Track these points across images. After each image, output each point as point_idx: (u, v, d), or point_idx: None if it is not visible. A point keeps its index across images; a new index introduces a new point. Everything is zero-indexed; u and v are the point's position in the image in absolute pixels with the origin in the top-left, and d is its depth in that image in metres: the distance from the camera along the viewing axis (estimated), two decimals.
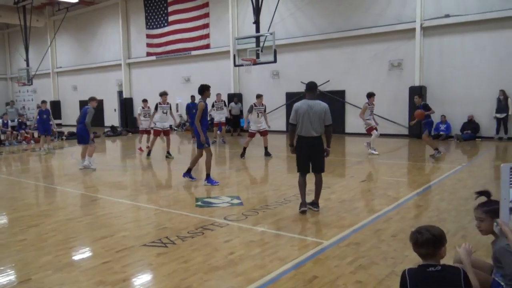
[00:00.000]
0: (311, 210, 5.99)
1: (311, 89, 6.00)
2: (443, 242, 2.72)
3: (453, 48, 15.56)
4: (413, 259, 4.14)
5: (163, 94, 12.37)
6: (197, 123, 8.05)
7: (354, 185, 7.89)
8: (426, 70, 16.16)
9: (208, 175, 8.22)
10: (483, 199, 3.03)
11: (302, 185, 6.02)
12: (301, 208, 5.96)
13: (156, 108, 12.41)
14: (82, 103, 29.65)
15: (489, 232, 2.97)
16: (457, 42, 15.49)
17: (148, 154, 12.38)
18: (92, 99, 10.86)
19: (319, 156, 5.95)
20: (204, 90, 8.60)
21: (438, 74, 15.93)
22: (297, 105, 5.92)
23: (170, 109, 12.57)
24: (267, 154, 11.73)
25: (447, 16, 15.44)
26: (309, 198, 6.17)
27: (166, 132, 12.37)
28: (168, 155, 12.05)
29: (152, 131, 12.96)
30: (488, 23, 14.71)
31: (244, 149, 11.58)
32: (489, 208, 2.93)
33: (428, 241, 2.68)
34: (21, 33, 25.30)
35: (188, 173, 8.65)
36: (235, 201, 6.80)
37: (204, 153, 8.24)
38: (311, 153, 5.92)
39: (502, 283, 2.88)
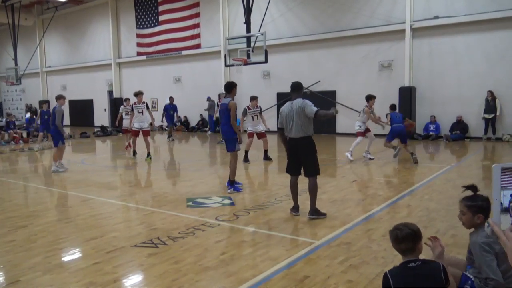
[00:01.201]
0: (302, 211, 5.98)
1: (295, 89, 5.85)
2: (421, 236, 2.82)
3: (443, 49, 15.72)
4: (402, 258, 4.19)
5: (138, 94, 11.95)
6: (233, 122, 7.39)
7: (345, 185, 7.93)
8: (416, 71, 16.31)
9: (233, 181, 7.58)
10: (470, 192, 3.06)
11: (293, 187, 5.87)
12: (292, 212, 5.88)
13: (132, 109, 12.05)
14: (72, 103, 29.49)
15: (470, 225, 3.01)
16: (446, 43, 15.65)
17: (134, 153, 12.14)
18: (59, 97, 10.23)
19: (308, 159, 5.69)
20: (232, 87, 7.56)
21: (428, 75, 16.08)
22: (281, 108, 5.89)
23: (147, 108, 12.04)
24: (266, 158, 11.04)
25: (437, 17, 15.60)
26: (302, 198, 6.17)
27: (144, 133, 11.84)
28: (147, 157, 11.63)
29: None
30: (477, 24, 14.89)
31: (246, 152, 10.82)
32: (471, 203, 2.97)
33: (408, 236, 2.76)
34: (9, 32, 25.01)
35: (232, 185, 7.57)
36: (227, 201, 6.80)
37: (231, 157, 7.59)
38: (299, 154, 5.72)
39: (471, 276, 2.93)
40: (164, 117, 17.93)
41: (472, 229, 3.00)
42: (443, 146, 14.10)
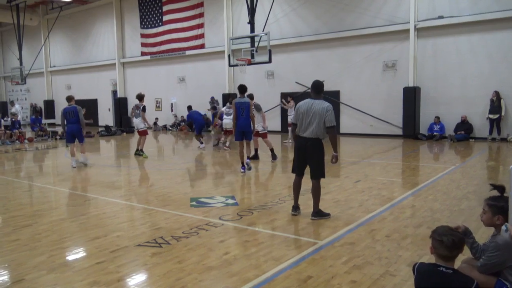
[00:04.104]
0: (305, 212, 5.98)
1: (318, 88, 5.66)
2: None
3: (447, 49, 15.66)
4: (406, 259, 4.18)
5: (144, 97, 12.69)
6: (253, 117, 9.67)
7: (349, 185, 7.91)
8: (420, 71, 16.26)
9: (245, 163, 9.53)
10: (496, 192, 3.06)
11: (295, 187, 5.84)
12: (292, 211, 5.86)
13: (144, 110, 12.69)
14: (76, 103, 29.47)
15: (488, 224, 3.02)
16: (450, 43, 15.60)
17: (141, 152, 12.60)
18: (72, 97, 11.17)
19: (314, 161, 5.60)
20: (246, 89, 9.73)
21: (432, 75, 16.03)
22: (299, 103, 5.71)
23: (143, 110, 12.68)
24: (273, 157, 10.96)
25: (441, 17, 15.54)
26: (301, 199, 6.16)
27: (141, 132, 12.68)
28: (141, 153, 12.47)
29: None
30: (482, 24, 14.83)
31: (256, 150, 11.03)
32: (493, 203, 2.97)
33: (462, 240, 2.66)
34: (15, 31, 25.13)
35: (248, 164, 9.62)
36: (230, 201, 6.80)
37: (240, 145, 9.53)
38: (306, 155, 5.64)
39: (507, 283, 2.89)
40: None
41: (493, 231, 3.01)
42: (448, 146, 14.05)
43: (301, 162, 5.73)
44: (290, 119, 14.15)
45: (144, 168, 10.99)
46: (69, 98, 11.03)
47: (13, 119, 18.97)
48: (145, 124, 12.73)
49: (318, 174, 5.65)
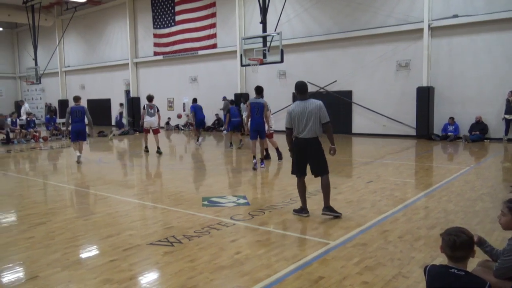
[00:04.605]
0: (317, 212, 5.96)
1: (304, 89, 5.76)
2: (474, 243, 2.69)
3: (462, 49, 15.46)
4: (419, 260, 4.13)
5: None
6: (267, 117, 10.21)
7: (361, 185, 7.86)
8: (434, 71, 16.08)
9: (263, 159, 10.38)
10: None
11: (301, 189, 5.85)
12: (303, 213, 5.81)
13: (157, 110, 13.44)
14: (90, 102, 29.93)
15: (506, 227, 2.99)
16: (465, 42, 15.39)
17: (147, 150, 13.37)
18: (79, 97, 11.80)
19: (318, 158, 5.72)
20: (263, 90, 10.26)
21: (446, 74, 15.84)
22: (290, 107, 5.76)
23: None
24: (279, 156, 10.97)
25: (456, 16, 15.35)
26: (315, 200, 6.14)
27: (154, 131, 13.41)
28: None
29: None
30: (497, 23, 14.60)
31: (266, 150, 10.99)
32: None
33: (465, 243, 2.59)
34: (30, 32, 25.50)
35: (263, 161, 10.22)
36: (242, 201, 6.81)
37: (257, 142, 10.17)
38: (308, 155, 5.73)
39: None
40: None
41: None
42: (462, 147, 13.87)
43: (303, 163, 5.79)
44: None
45: (156, 167, 11.06)
46: (76, 98, 11.53)
47: (28, 119, 19.26)
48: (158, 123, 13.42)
49: (324, 170, 5.78)
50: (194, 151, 14.34)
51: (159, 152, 12.85)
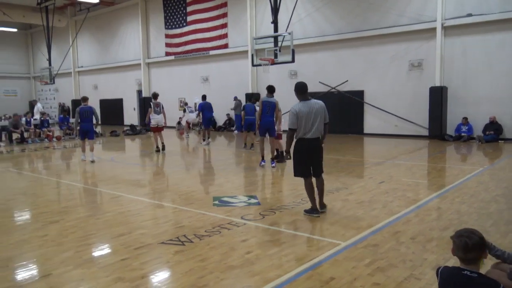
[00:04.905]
0: (330, 211, 5.95)
1: (302, 89, 5.77)
2: (486, 244, 2.64)
3: (475, 48, 15.25)
4: (431, 262, 4.09)
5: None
6: (278, 117, 10.52)
7: (373, 186, 7.80)
8: (447, 70, 15.89)
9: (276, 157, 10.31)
10: None
11: (310, 189, 5.81)
12: (314, 213, 5.78)
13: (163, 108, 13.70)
14: (103, 102, 30.25)
15: None
16: (479, 41, 15.18)
17: (158, 149, 13.50)
18: (87, 98, 12.10)
19: (321, 158, 5.86)
20: (275, 89, 10.36)
21: (460, 74, 15.65)
22: (296, 108, 5.63)
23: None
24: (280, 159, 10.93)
25: (470, 15, 15.14)
26: (326, 200, 6.11)
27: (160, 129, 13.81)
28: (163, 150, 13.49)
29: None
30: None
31: (277, 150, 10.79)
32: None
33: (477, 244, 2.55)
34: (44, 33, 25.81)
35: (273, 160, 10.20)
36: (252, 200, 6.81)
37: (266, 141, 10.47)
38: (314, 155, 5.74)
39: None
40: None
41: None
42: (476, 147, 13.68)
43: (309, 164, 5.78)
44: None
45: (168, 167, 11.12)
46: (84, 99, 11.92)
47: (42, 118, 19.52)
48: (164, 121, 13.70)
49: (322, 170, 5.95)
50: (205, 151, 14.38)
51: (163, 149, 13.34)
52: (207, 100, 15.72)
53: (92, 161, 11.46)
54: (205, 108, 15.13)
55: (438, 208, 6.30)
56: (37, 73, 33.11)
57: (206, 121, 15.42)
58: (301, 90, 5.79)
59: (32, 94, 37.04)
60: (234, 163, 11.69)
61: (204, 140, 15.40)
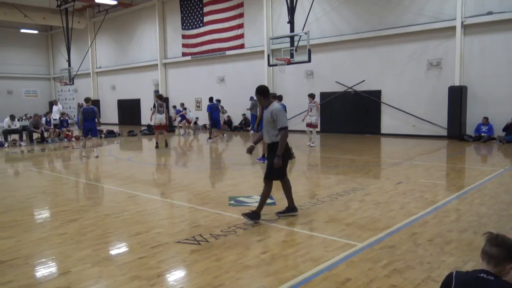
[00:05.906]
0: (345, 213, 5.90)
1: (267, 91, 5.93)
2: None
3: (496, 46, 14.96)
4: (449, 264, 4.02)
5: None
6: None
7: (390, 187, 7.72)
8: (467, 70, 15.62)
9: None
10: None
11: (289, 188, 5.89)
12: (293, 212, 5.87)
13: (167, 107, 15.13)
14: (120, 102, 30.64)
15: None
16: (500, 40, 14.88)
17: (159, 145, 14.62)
18: (90, 99, 13.20)
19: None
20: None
21: (480, 73, 15.36)
22: (279, 106, 5.70)
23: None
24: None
25: (490, 13, 14.85)
26: (341, 200, 6.06)
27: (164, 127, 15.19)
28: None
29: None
30: None
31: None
32: None
33: (508, 242, 2.45)
34: (63, 34, 26.30)
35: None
36: (268, 200, 6.78)
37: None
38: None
39: None
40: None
41: None
42: (496, 148, 13.41)
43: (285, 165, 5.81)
44: (313, 120, 14.09)
45: (184, 167, 11.19)
46: (87, 100, 12.90)
47: (62, 118, 19.86)
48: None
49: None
50: (221, 151, 14.43)
51: (166, 145, 14.65)
52: (214, 101, 17.14)
53: (96, 157, 12.52)
54: (213, 109, 16.40)
55: (457, 209, 6.19)
56: (57, 74, 33.74)
57: (213, 121, 16.65)
58: (266, 92, 5.92)
59: (52, 94, 37.74)
60: (250, 163, 11.70)
61: (210, 138, 16.81)
